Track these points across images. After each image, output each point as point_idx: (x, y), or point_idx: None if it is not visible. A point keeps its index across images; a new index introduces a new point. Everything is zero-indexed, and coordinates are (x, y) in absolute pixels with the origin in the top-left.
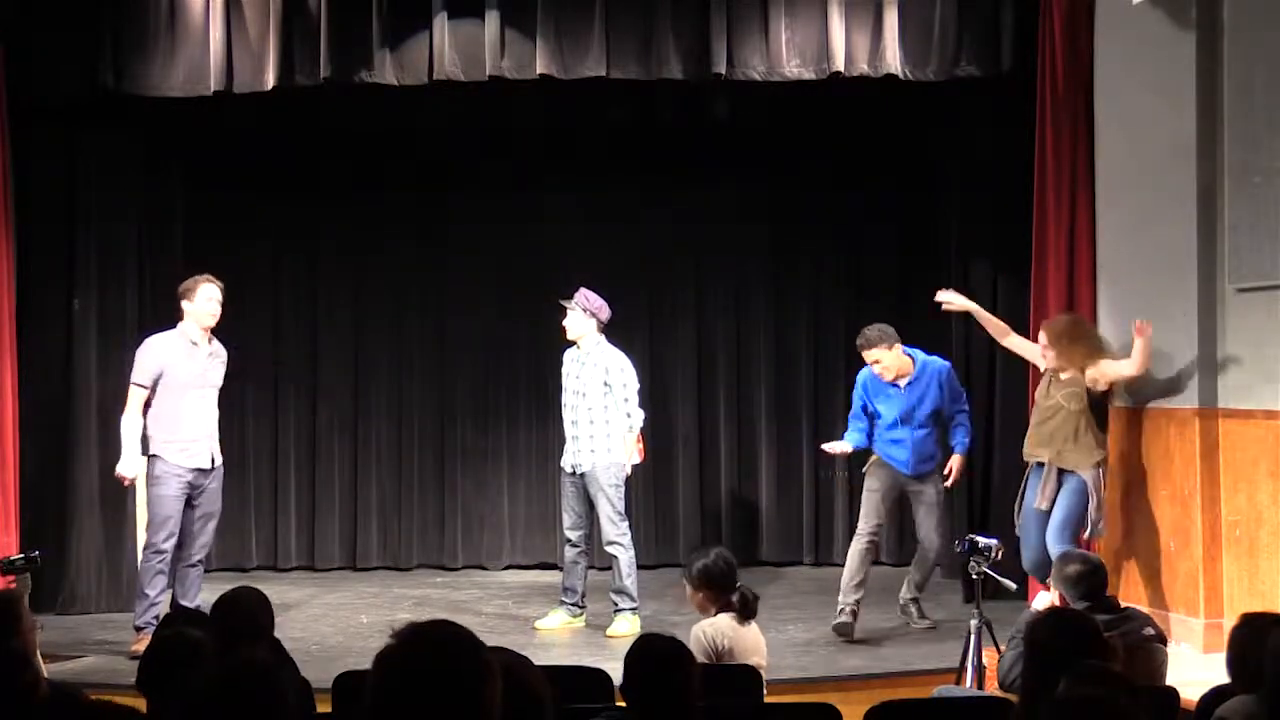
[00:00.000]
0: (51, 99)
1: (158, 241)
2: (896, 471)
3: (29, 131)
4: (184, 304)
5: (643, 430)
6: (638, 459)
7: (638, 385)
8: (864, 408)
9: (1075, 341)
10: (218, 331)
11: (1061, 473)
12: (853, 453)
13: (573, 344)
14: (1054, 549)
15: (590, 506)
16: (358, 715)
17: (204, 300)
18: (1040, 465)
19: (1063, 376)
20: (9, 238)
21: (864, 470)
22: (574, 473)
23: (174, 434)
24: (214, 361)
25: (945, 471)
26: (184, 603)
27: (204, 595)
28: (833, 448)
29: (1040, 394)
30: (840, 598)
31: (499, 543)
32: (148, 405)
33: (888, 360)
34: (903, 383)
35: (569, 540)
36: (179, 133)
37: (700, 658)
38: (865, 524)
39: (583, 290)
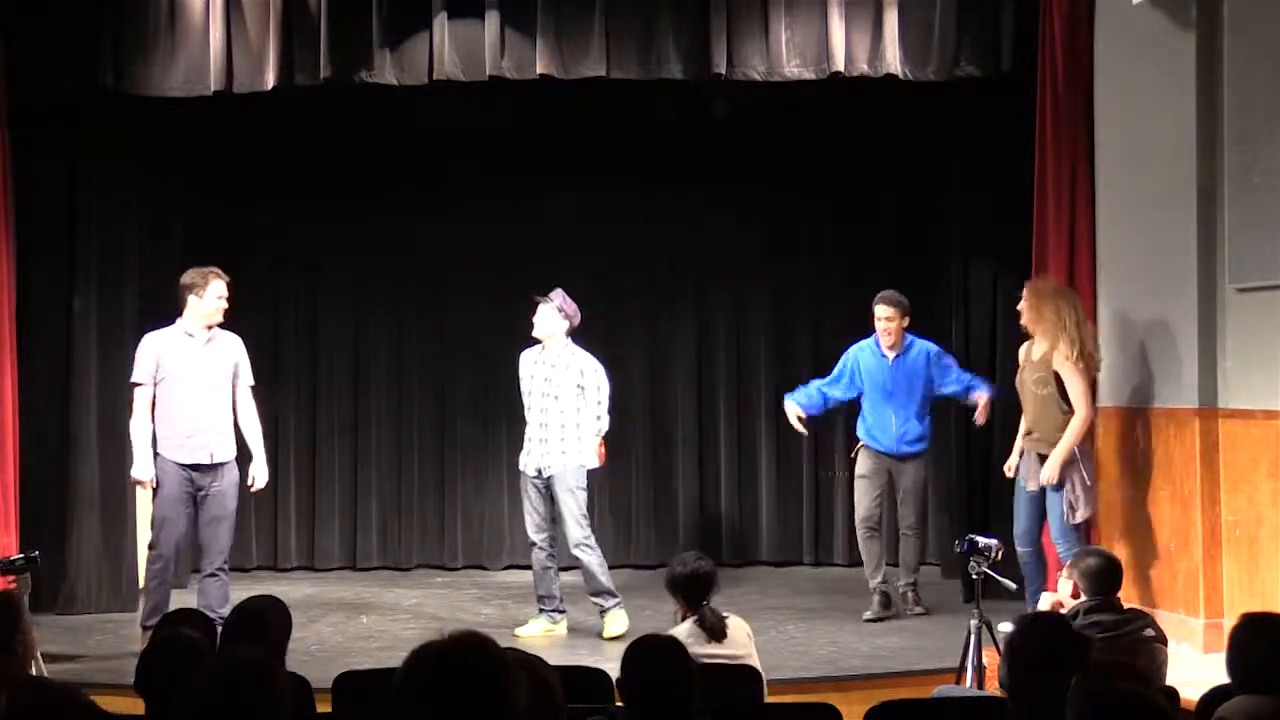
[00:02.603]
0: (51, 99)
1: (158, 241)
2: (880, 454)
3: (29, 131)
4: (191, 298)
5: (609, 435)
6: (598, 463)
7: (610, 390)
8: (844, 378)
9: (1048, 303)
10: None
11: (1042, 456)
12: (804, 416)
13: (530, 345)
14: (1058, 542)
15: (552, 506)
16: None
17: (213, 297)
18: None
19: (1034, 357)
20: (9, 238)
21: (851, 456)
22: (539, 475)
23: (171, 428)
24: (214, 353)
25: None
26: (208, 613)
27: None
28: (789, 410)
29: (1018, 377)
30: (869, 585)
31: (499, 543)
32: (154, 404)
33: (896, 325)
34: (891, 355)
35: (535, 544)
36: (179, 133)
37: None
38: (858, 512)
39: (561, 290)
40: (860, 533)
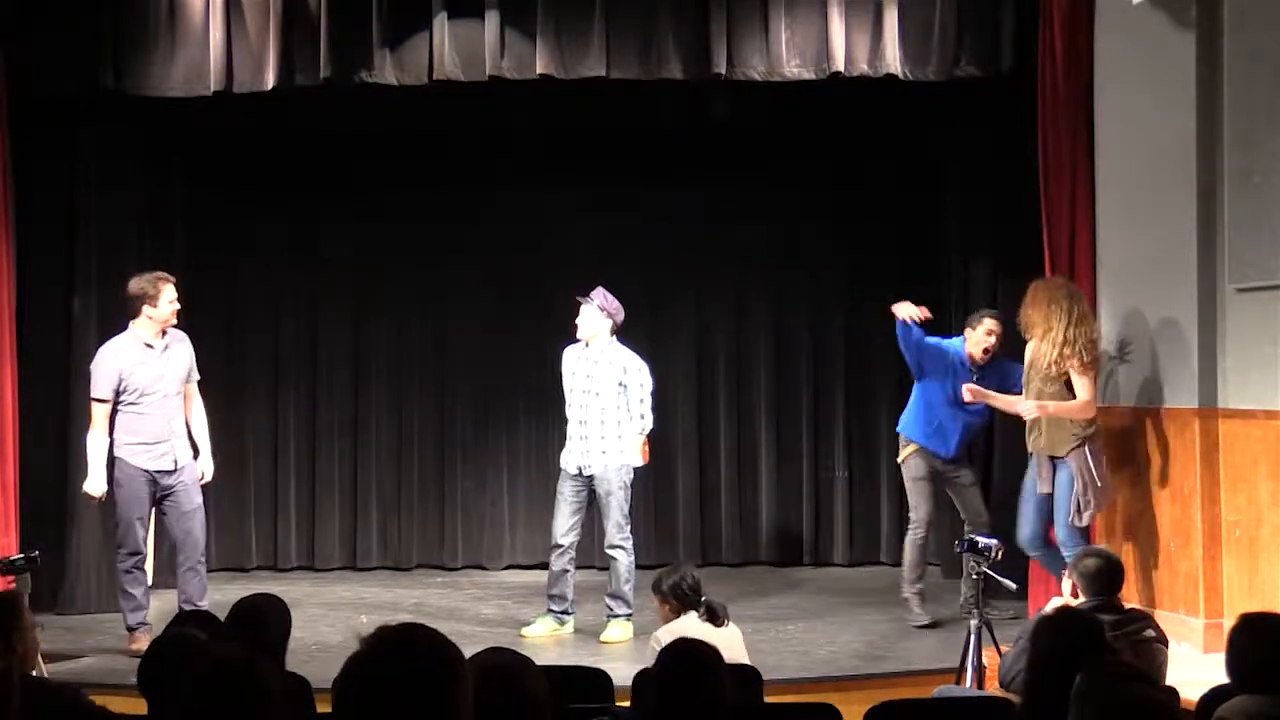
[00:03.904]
0: (51, 99)
1: (158, 241)
2: (933, 457)
3: (29, 131)
4: (145, 308)
5: (650, 433)
6: (642, 461)
7: (652, 387)
8: (929, 351)
9: (1038, 306)
10: (211, 328)
11: (1052, 458)
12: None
13: (574, 341)
14: (1064, 544)
15: (586, 510)
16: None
17: (166, 303)
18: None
19: (1035, 357)
20: (9, 238)
21: (900, 460)
22: (580, 474)
23: (137, 437)
24: (172, 360)
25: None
26: (187, 605)
27: (215, 596)
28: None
29: (1024, 375)
30: (905, 590)
31: (499, 543)
32: (112, 417)
33: (997, 344)
34: (977, 371)
35: (558, 545)
36: (179, 133)
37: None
38: (919, 513)
39: (601, 289)
40: (918, 534)
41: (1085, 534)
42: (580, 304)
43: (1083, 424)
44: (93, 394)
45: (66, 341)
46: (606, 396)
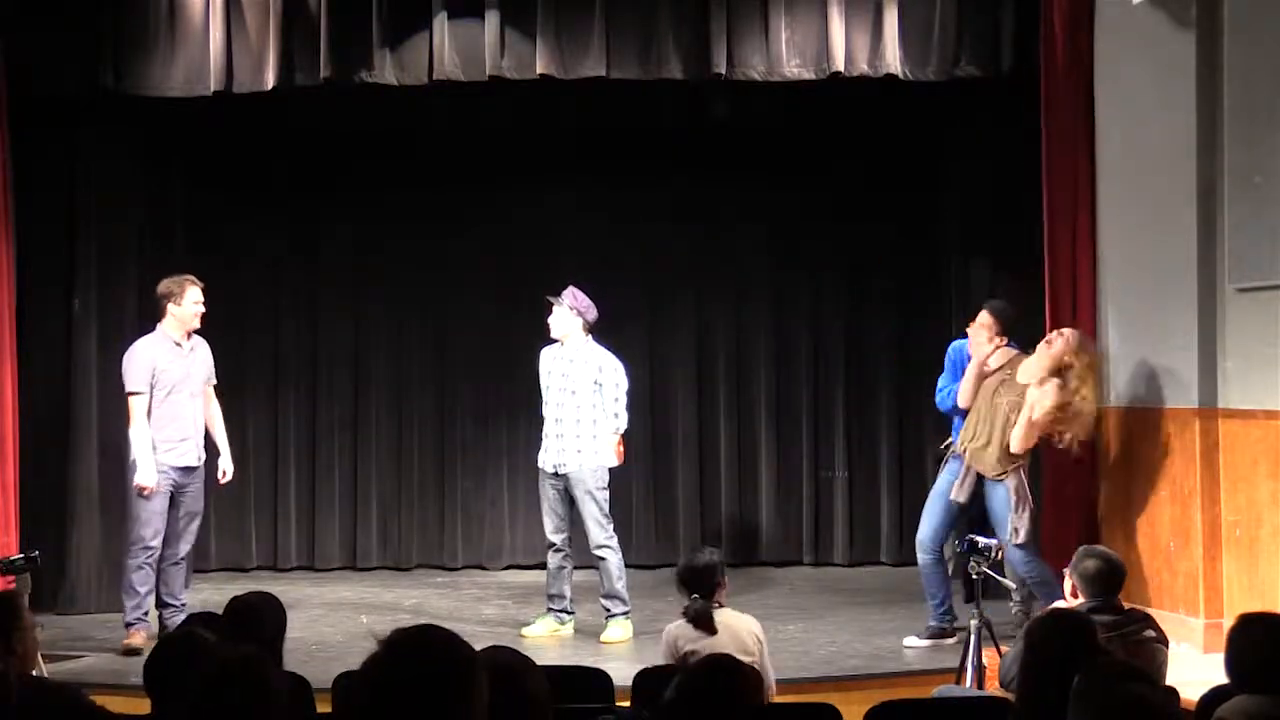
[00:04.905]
0: (51, 99)
1: (158, 241)
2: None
3: (29, 131)
4: (170, 306)
5: (624, 434)
6: (617, 461)
7: (628, 386)
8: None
9: (1076, 367)
10: (211, 329)
11: (981, 475)
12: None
13: (551, 342)
14: (1019, 566)
15: (571, 506)
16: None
17: (190, 303)
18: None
19: (1019, 379)
20: (9, 238)
21: (942, 461)
22: (556, 473)
23: (161, 434)
24: (197, 361)
25: None
26: (170, 600)
27: (205, 595)
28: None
29: (986, 390)
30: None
31: (499, 543)
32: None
33: (987, 335)
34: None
35: (553, 545)
36: (179, 133)
37: (664, 658)
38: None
39: (571, 288)
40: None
41: (1032, 549)
42: (551, 305)
43: (1015, 456)
44: (129, 388)
45: (66, 341)
46: (582, 395)
